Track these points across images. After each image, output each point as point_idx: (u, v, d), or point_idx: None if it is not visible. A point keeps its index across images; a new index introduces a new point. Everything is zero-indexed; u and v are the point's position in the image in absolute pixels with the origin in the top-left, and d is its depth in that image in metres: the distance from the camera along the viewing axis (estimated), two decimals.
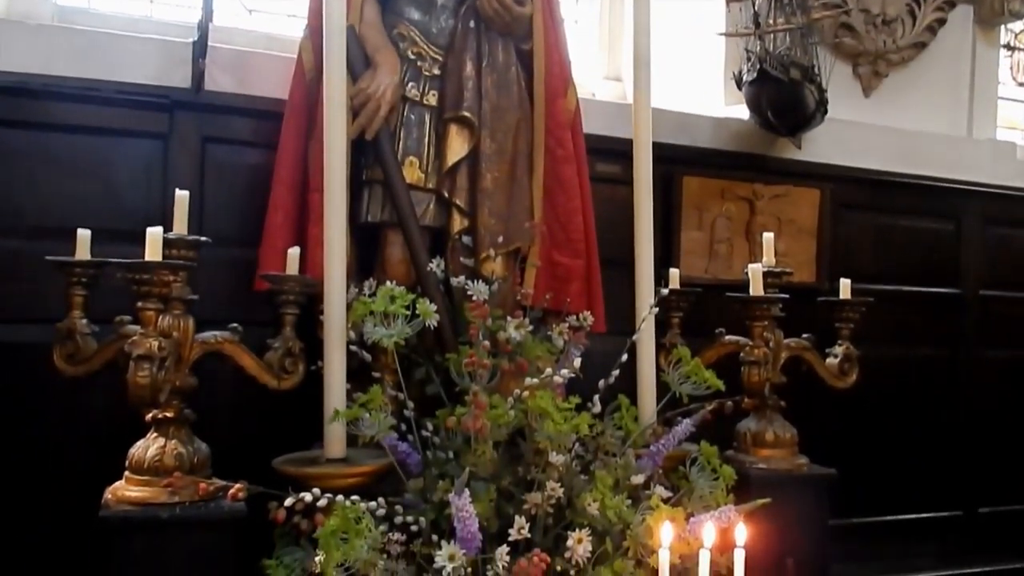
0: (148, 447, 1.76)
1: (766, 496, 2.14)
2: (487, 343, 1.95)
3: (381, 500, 1.71)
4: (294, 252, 2.00)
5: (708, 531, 1.38)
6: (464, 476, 1.58)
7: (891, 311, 3.45)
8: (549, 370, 1.86)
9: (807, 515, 2.29)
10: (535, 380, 1.82)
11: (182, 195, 1.82)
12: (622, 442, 1.98)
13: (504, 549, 1.63)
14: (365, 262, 2.31)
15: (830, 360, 2.43)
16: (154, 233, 1.57)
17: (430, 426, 2.00)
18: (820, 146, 3.37)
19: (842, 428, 3.37)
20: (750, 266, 2.18)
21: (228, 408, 2.32)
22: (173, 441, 1.77)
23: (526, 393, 1.80)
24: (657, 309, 2.14)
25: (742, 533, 1.38)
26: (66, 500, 2.27)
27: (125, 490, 1.74)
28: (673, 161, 3.14)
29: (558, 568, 1.72)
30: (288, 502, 1.60)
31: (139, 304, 1.57)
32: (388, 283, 1.95)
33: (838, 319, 2.42)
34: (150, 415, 1.78)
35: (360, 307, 1.83)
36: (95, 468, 2.04)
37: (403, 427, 1.97)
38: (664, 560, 1.36)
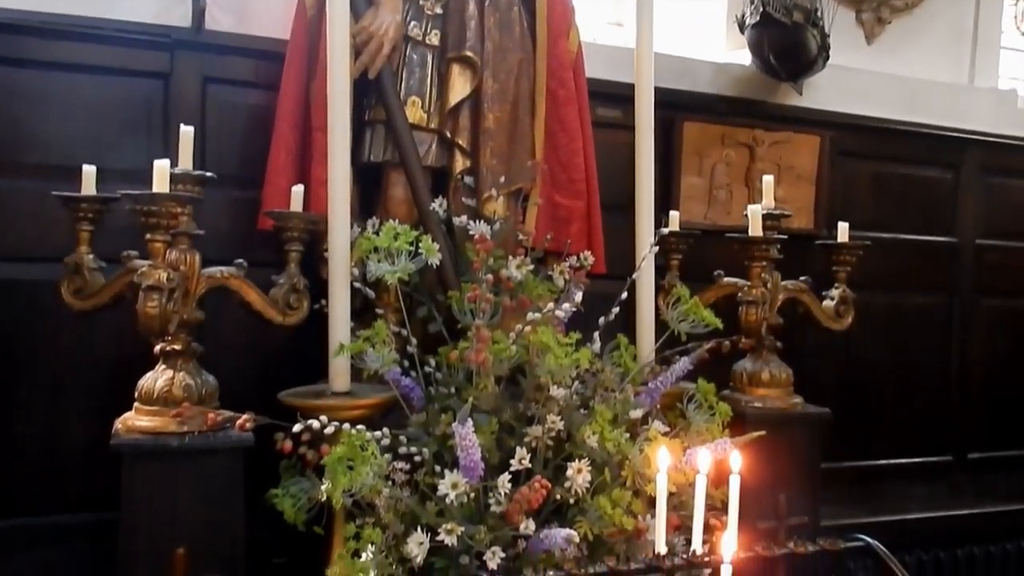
0: (157, 379, 1.79)
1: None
2: (490, 277, 1.98)
3: (386, 430, 1.75)
4: (298, 189, 2.01)
5: (703, 457, 1.42)
6: (467, 406, 1.61)
7: (887, 259, 3.48)
8: (551, 304, 1.89)
9: (800, 454, 2.34)
10: (537, 315, 1.84)
11: (187, 131, 1.83)
12: (620, 379, 2.01)
13: (506, 477, 1.67)
14: (367, 202, 2.32)
15: (826, 303, 2.46)
16: (161, 165, 1.58)
17: (432, 362, 2.04)
18: (821, 92, 3.37)
19: (835, 374, 3.42)
20: (750, 207, 2.20)
21: (233, 349, 2.36)
22: (181, 373, 1.80)
23: (527, 328, 1.82)
24: (657, 248, 2.16)
25: (737, 460, 1.41)
26: (72, 434, 2.32)
27: (135, 420, 1.78)
28: (674, 106, 3.14)
29: (558, 497, 1.76)
30: (296, 428, 1.64)
31: (147, 236, 1.59)
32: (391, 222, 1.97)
33: (836, 262, 2.45)
34: (158, 347, 1.81)
35: (364, 243, 1.85)
36: (99, 404, 2.11)
37: (406, 364, 2.00)
38: (662, 484, 1.40)
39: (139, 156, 2.24)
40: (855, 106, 3.47)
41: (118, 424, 1.79)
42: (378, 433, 1.71)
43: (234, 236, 2.39)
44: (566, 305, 1.92)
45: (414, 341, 2.02)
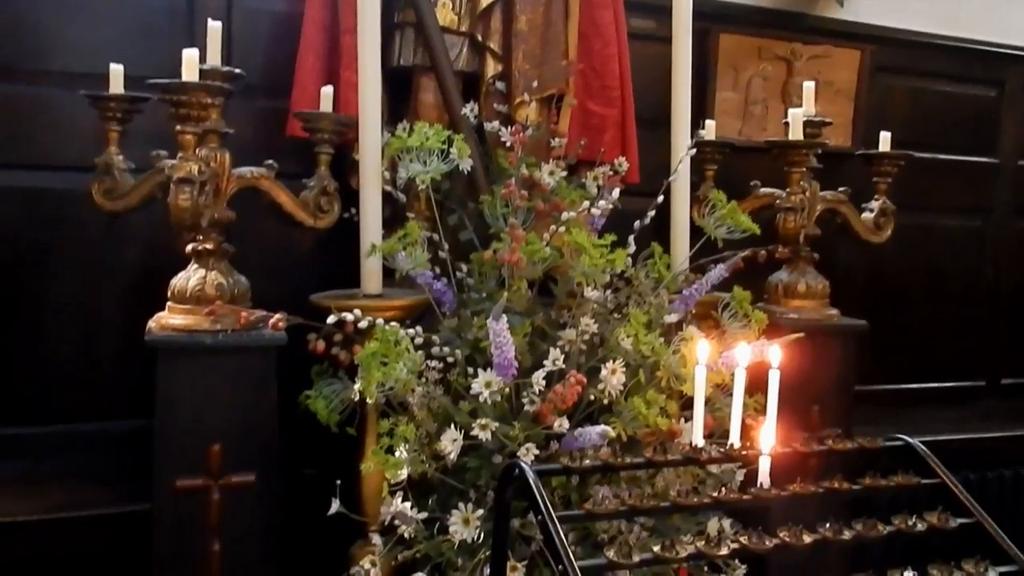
0: (190, 277, 1.78)
1: (796, 344, 2.16)
2: (524, 175, 1.95)
3: (419, 328, 1.73)
4: (327, 90, 1.98)
5: (743, 351, 1.39)
6: (502, 301, 1.59)
7: (924, 178, 3.40)
8: (586, 203, 1.85)
9: (835, 366, 2.31)
10: (571, 214, 1.81)
11: (214, 25, 1.80)
12: (655, 286, 1.98)
13: (541, 373, 1.66)
14: (396, 108, 2.28)
15: (865, 215, 2.40)
16: (190, 54, 1.55)
17: (464, 268, 2.02)
18: (863, 5, 3.26)
19: (866, 295, 3.37)
20: (791, 111, 2.14)
21: (265, 259, 2.36)
22: (214, 272, 1.79)
23: (562, 229, 1.80)
24: (694, 150, 2.11)
25: (776, 353, 1.39)
26: (103, 342, 2.33)
27: (168, 319, 1.77)
28: (709, 17, 3.04)
29: (591, 399, 1.75)
30: (330, 320, 1.63)
31: (177, 128, 1.57)
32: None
33: (876, 173, 2.39)
34: (190, 246, 1.80)
35: (396, 142, 1.82)
36: (129, 314, 2.11)
37: (437, 270, 1.99)
38: (700, 377, 1.38)
39: (162, 64, 2.21)
40: (897, 19, 3.36)
41: (152, 323, 1.79)
42: (412, 331, 1.70)
43: (262, 146, 2.33)
44: (601, 203, 1.88)
45: (445, 246, 2.00)
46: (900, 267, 3.43)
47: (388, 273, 1.97)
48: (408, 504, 1.70)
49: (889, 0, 3.32)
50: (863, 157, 2.44)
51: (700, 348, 1.38)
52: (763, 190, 2.35)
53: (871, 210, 2.40)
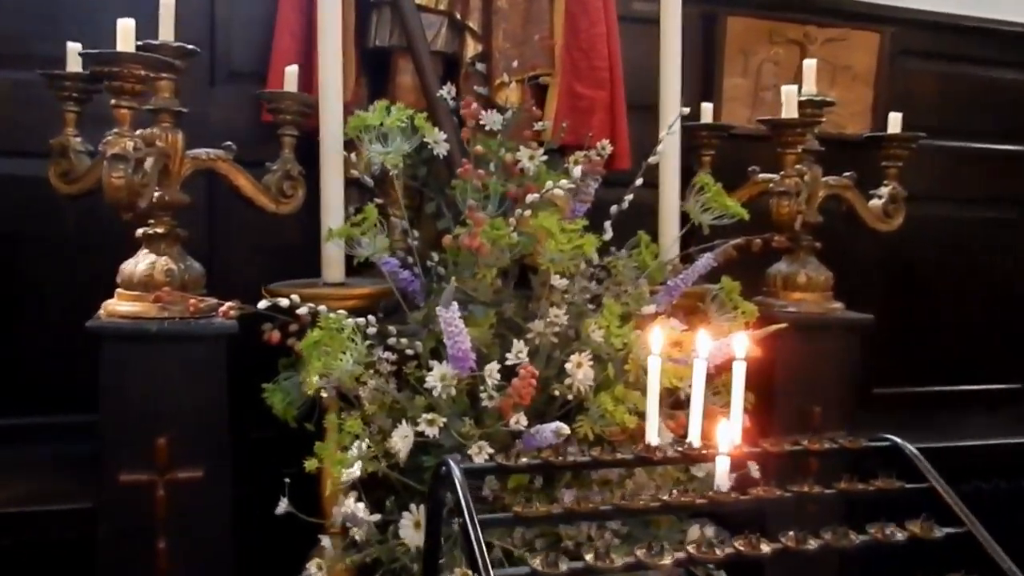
0: (138, 263, 1.70)
1: (795, 339, 2.03)
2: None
3: (371, 318, 1.64)
4: (292, 69, 1.89)
5: (703, 340, 1.27)
6: (451, 286, 1.48)
7: (952, 168, 3.24)
8: (550, 183, 1.74)
9: (838, 363, 2.16)
10: (535, 196, 1.70)
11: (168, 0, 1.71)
12: (637, 275, 1.87)
13: (495, 367, 1.55)
14: (376, 92, 2.18)
15: (874, 202, 2.25)
16: (125, 23, 1.47)
17: (435, 256, 1.92)
18: None
19: (888, 292, 3.21)
20: (783, 87, 2.00)
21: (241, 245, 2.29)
22: (164, 258, 1.71)
23: (527, 212, 1.68)
24: (676, 129, 1.98)
25: (741, 343, 1.26)
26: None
27: (116, 305, 1.70)
28: (716, 0, 2.93)
29: (555, 394, 1.64)
30: (261, 305, 1.53)
31: (112, 102, 1.48)
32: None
33: (885, 156, 2.24)
34: (140, 231, 1.72)
35: (355, 121, 1.72)
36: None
37: (410, 260, 1.89)
38: (653, 367, 1.26)
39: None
40: (920, 1, 3.19)
41: (101, 310, 1.72)
42: (361, 320, 1.60)
43: (252, 136, 2.26)
44: (564, 181, 1.76)
45: (415, 234, 1.91)
46: (927, 261, 3.26)
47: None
48: (361, 505, 1.60)
49: None
50: (870, 140, 2.29)
51: (653, 336, 1.26)
52: (761, 176, 2.21)
53: (880, 197, 2.24)
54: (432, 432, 1.50)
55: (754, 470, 1.72)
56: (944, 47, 3.27)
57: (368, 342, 1.58)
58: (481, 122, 1.99)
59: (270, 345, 1.65)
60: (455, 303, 1.49)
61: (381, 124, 1.73)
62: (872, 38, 3.11)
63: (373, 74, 2.19)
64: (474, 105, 1.85)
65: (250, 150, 1.97)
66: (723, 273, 1.95)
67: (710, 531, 1.74)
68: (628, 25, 2.56)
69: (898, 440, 1.42)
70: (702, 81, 2.96)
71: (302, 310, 1.53)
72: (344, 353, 1.49)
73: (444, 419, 1.53)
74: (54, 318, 2.21)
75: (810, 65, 2.16)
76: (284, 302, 1.58)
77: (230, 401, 1.81)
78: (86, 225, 2.16)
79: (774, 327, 1.64)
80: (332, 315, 1.51)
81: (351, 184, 1.97)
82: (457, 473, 1.13)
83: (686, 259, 2.01)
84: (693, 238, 2.04)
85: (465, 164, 1.74)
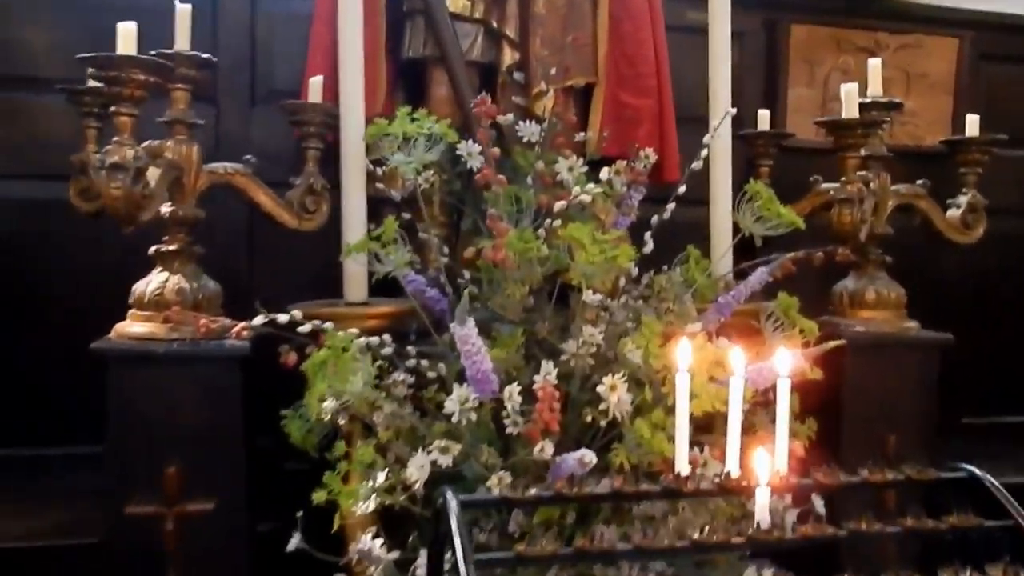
0: (150, 281, 1.63)
1: (864, 360, 1.85)
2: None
3: (386, 337, 1.52)
4: (316, 80, 1.81)
5: (736, 356, 1.11)
6: (464, 301, 1.35)
7: None
8: (577, 188, 1.61)
9: (915, 387, 1.96)
10: (563, 204, 1.57)
11: (183, 8, 1.64)
12: (684, 290, 1.71)
13: (515, 388, 1.41)
14: (414, 106, 2.09)
15: (951, 212, 2.05)
16: (126, 27, 1.40)
17: (466, 274, 1.80)
18: None
19: (977, 314, 2.96)
20: (843, 85, 1.83)
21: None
22: (177, 276, 1.63)
23: (557, 222, 1.55)
24: (721, 130, 1.83)
25: (785, 360, 1.10)
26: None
27: (128, 326, 1.62)
28: (778, 6, 2.78)
29: (589, 420, 1.49)
30: (256, 322, 1.42)
31: (111, 109, 1.42)
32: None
33: (963, 162, 2.04)
34: (153, 248, 1.65)
35: (374, 129, 1.62)
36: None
37: (443, 279, 1.78)
38: (683, 385, 1.10)
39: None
40: (999, 3, 2.97)
41: (113, 332, 1.64)
42: (375, 339, 1.48)
43: (293, 155, 2.21)
44: (591, 186, 1.62)
45: (445, 249, 1.79)
46: (1016, 279, 3.01)
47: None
48: (378, 541, 1.47)
49: None
50: (947, 144, 2.09)
51: (680, 349, 1.11)
52: (824, 185, 2.04)
53: (958, 206, 2.04)
54: (446, 461, 1.37)
55: (819, 505, 1.54)
56: None
57: (379, 363, 1.46)
58: (519, 133, 1.87)
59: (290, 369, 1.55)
60: (471, 319, 1.36)
61: (405, 133, 1.62)
62: (949, 43, 2.91)
63: (410, 86, 2.10)
64: (489, 103, 1.72)
65: (291, 169, 1.89)
66: (787, 292, 1.78)
67: (768, 573, 1.57)
68: (682, 35, 2.44)
69: (976, 471, 1.23)
70: (765, 92, 2.80)
71: (305, 328, 1.43)
72: (354, 375, 1.37)
73: (459, 447, 1.39)
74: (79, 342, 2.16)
75: (875, 64, 1.99)
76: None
77: (255, 428, 1.72)
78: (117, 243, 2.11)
79: (830, 344, 1.47)
80: (340, 334, 1.39)
81: (384, 202, 1.88)
82: (453, 506, 0.99)
83: (740, 276, 1.84)
84: (750, 254, 1.88)
85: (485, 170, 1.62)
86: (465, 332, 1.35)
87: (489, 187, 1.61)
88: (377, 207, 1.90)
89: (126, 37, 1.39)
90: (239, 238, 2.33)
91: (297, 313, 1.43)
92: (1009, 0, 2.96)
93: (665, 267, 1.81)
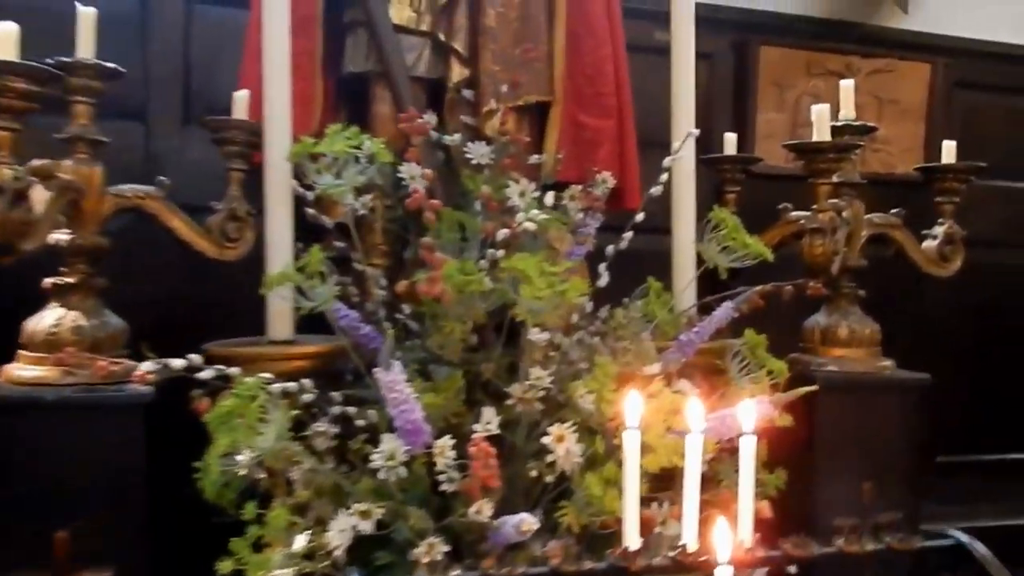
0: (43, 318, 1.45)
1: (837, 404, 1.70)
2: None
3: (307, 382, 1.35)
4: (241, 94, 1.65)
5: (694, 409, 0.96)
6: (388, 341, 1.19)
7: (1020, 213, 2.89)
8: (521, 215, 1.45)
9: (892, 431, 1.81)
10: (506, 231, 1.41)
11: (86, 12, 1.47)
12: (643, 326, 1.56)
13: (447, 441, 1.24)
14: (355, 124, 1.94)
15: (927, 243, 1.92)
16: (7, 28, 1.23)
17: (406, 309, 1.63)
18: (932, 12, 2.81)
19: (956, 350, 2.84)
20: (813, 106, 1.70)
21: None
22: (75, 312, 1.45)
23: (500, 252, 1.40)
24: (689, 150, 1.69)
25: (749, 413, 0.95)
26: None
27: (15, 369, 1.44)
28: (748, 28, 2.67)
29: (533, 474, 1.33)
30: (146, 368, 1.25)
31: None
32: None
33: (940, 191, 1.92)
34: (48, 280, 1.47)
35: (299, 147, 1.46)
36: None
37: (381, 314, 1.61)
38: (630, 440, 0.95)
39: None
40: (974, 29, 2.88)
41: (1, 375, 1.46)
42: (292, 384, 1.31)
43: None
44: (535, 212, 1.46)
45: (383, 282, 1.63)
46: (998, 316, 2.90)
47: None
48: None
49: (965, 7, 2.85)
50: (922, 172, 1.97)
51: (629, 401, 0.95)
52: (794, 214, 1.90)
53: (934, 237, 1.91)
54: (366, 527, 1.19)
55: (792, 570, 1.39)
56: (1004, 79, 2.95)
57: (299, 411, 1.29)
58: (467, 155, 1.72)
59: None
60: (397, 363, 1.19)
61: (336, 153, 1.46)
62: (923, 69, 2.82)
63: (354, 105, 1.95)
64: (419, 119, 1.56)
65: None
66: (756, 328, 1.63)
67: None
68: (648, 56, 2.32)
69: (963, 538, 1.09)
70: (733, 116, 2.68)
71: (206, 373, 1.25)
72: (266, 427, 1.20)
73: (387, 507, 1.22)
74: None
75: (847, 86, 1.86)
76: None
77: (175, 479, 1.53)
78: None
79: (800, 391, 1.32)
80: (248, 380, 1.22)
81: (327, 230, 1.72)
82: None
83: (705, 311, 1.70)
84: (718, 288, 1.74)
85: (415, 193, 1.46)
86: (390, 378, 1.19)
87: (421, 213, 1.44)
88: (319, 236, 1.75)
89: (4, 40, 1.22)
90: (180, 264, 2.16)
91: (195, 357, 1.26)
92: (985, 26, 2.87)
93: (627, 301, 1.67)
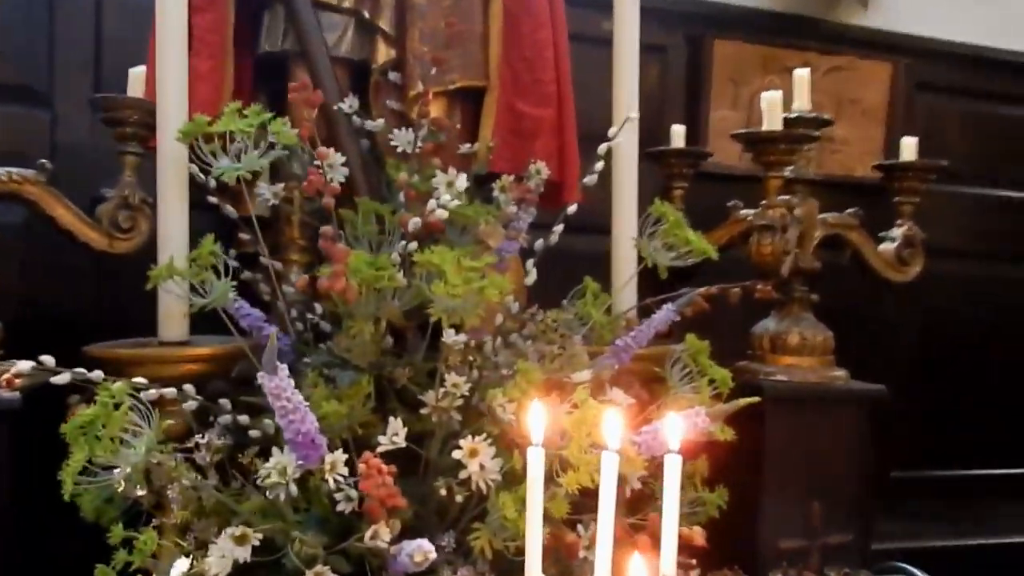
0: None
1: (785, 416, 1.58)
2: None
3: (189, 388, 1.20)
4: (137, 70, 1.51)
5: (613, 423, 0.82)
6: (272, 342, 1.04)
7: (983, 219, 2.81)
8: (433, 202, 1.32)
9: (843, 447, 1.70)
10: (417, 221, 1.28)
11: None
12: (575, 328, 1.43)
13: (340, 457, 1.10)
14: (274, 107, 1.79)
15: (885, 245, 1.81)
16: None
17: (318, 308, 1.49)
18: (894, 10, 2.72)
19: (913, 360, 2.75)
20: (763, 94, 1.58)
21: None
22: None
23: (411, 244, 1.26)
24: (631, 135, 1.56)
25: (674, 429, 0.82)
26: None
27: None
28: (702, 22, 2.56)
29: (443, 492, 1.19)
30: (15, 372, 1.10)
31: None
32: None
33: (899, 190, 1.81)
34: None
35: (190, 126, 1.31)
36: None
37: (292, 313, 1.47)
38: (534, 458, 0.81)
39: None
40: (939, 29, 2.80)
41: None
42: (170, 390, 1.16)
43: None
44: (446, 198, 1.33)
45: (293, 279, 1.49)
46: (956, 325, 2.81)
47: None
48: None
49: (928, 5, 2.76)
50: (880, 170, 1.86)
51: (532, 412, 0.81)
52: (744, 211, 1.78)
53: (892, 239, 1.80)
54: (243, 554, 1.05)
55: None
56: (968, 81, 2.88)
57: (171, 422, 1.14)
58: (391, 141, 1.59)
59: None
60: (283, 368, 1.05)
61: (233, 133, 1.32)
62: (883, 69, 2.72)
63: (270, 85, 1.80)
64: (310, 89, 1.41)
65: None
66: (702, 335, 1.51)
67: None
68: (596, 47, 2.18)
69: (909, 568, 0.96)
70: (686, 113, 2.56)
71: (62, 378, 1.10)
72: (133, 437, 1.05)
73: (274, 528, 1.07)
74: None
75: (802, 76, 1.75)
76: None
77: (41, 500, 1.37)
78: None
79: (742, 401, 1.19)
80: (113, 384, 1.06)
81: (245, 222, 1.57)
82: None
83: (645, 313, 1.57)
84: (660, 290, 1.61)
85: (312, 176, 1.32)
86: (276, 384, 1.04)
87: (321, 197, 1.30)
88: (232, 228, 1.60)
89: None
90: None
91: (49, 359, 1.10)
92: (949, 26, 2.79)
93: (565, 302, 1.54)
